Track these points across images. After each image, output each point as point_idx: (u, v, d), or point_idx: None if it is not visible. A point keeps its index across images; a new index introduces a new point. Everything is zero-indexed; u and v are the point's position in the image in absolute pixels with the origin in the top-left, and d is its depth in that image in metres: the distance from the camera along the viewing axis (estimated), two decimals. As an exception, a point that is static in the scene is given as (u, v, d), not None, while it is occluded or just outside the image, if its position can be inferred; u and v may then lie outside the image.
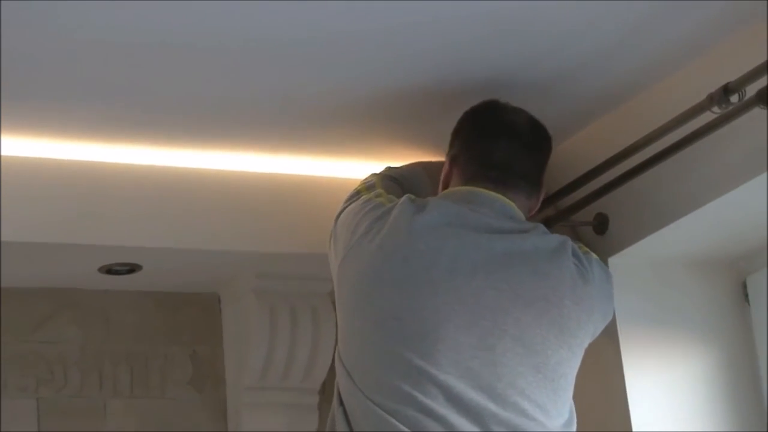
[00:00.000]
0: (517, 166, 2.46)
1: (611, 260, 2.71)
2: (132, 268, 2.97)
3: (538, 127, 2.54)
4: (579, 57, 2.56)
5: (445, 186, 2.55)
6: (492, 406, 2.25)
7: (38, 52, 2.38)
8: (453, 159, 2.54)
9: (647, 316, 2.74)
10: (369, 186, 2.53)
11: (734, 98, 2.34)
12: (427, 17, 2.33)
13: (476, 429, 2.24)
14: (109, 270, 2.95)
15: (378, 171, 2.67)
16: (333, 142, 2.86)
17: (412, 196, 2.46)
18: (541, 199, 2.58)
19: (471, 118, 2.56)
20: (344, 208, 2.51)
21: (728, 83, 2.34)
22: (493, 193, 2.42)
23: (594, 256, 2.51)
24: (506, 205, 2.42)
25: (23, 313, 3.01)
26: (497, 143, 2.47)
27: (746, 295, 2.89)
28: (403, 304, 2.33)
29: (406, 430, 2.24)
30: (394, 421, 2.24)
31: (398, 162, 2.87)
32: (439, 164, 2.59)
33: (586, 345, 2.41)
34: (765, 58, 2.30)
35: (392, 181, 2.57)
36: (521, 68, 2.59)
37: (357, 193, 2.53)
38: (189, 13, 2.23)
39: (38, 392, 2.98)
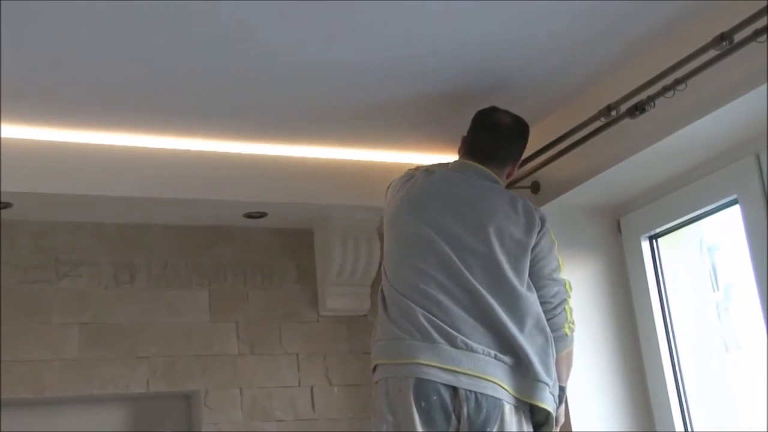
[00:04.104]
0: (492, 152, 2.86)
1: (542, 208, 3.02)
2: (262, 214, 3.53)
3: (511, 128, 2.85)
4: (516, 90, 3.02)
5: (459, 151, 2.90)
6: (460, 292, 2.65)
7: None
8: (464, 137, 2.91)
9: (560, 242, 3.00)
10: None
11: (614, 113, 2.89)
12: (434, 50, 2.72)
13: (453, 304, 2.62)
14: (248, 215, 3.54)
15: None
16: (380, 138, 3.40)
17: (429, 167, 2.89)
18: (516, 167, 2.89)
19: (475, 116, 2.93)
20: (394, 180, 2.95)
21: (610, 103, 2.90)
22: (476, 163, 2.84)
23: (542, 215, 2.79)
24: (485, 170, 2.82)
25: (200, 241, 3.64)
26: (480, 136, 2.89)
27: (620, 230, 3.45)
28: (412, 231, 2.73)
29: (413, 305, 2.64)
30: (406, 300, 2.66)
31: (423, 151, 3.45)
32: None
33: (526, 263, 2.71)
34: (635, 86, 2.84)
35: None
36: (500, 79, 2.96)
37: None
38: (260, 53, 2.67)
39: (209, 286, 3.60)
